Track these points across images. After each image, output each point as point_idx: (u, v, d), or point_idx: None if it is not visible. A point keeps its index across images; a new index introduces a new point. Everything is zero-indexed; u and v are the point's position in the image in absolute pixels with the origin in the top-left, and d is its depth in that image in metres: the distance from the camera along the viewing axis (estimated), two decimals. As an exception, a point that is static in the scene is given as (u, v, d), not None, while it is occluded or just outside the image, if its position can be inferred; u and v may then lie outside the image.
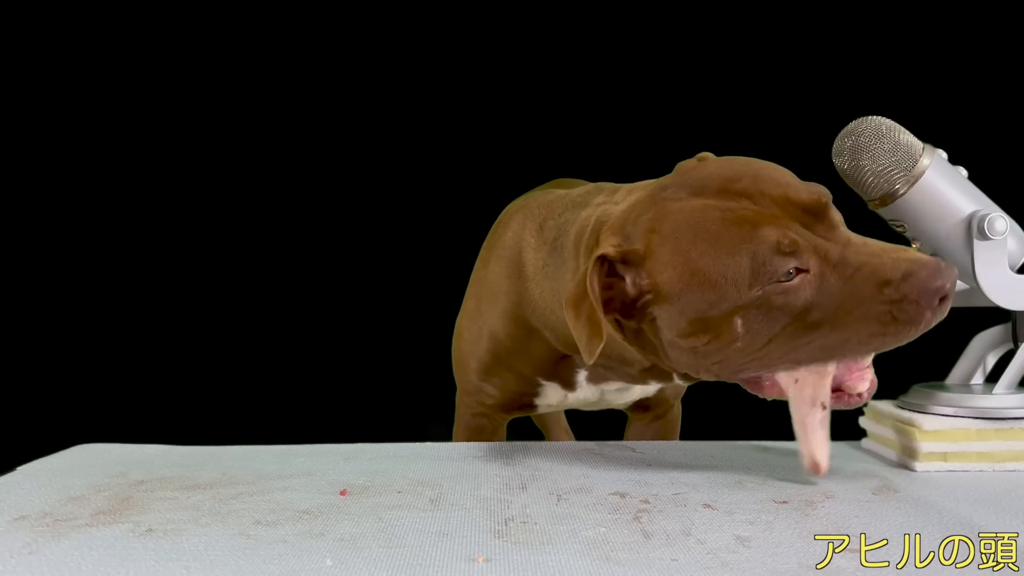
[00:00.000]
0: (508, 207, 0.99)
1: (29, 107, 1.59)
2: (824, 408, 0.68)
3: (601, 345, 0.66)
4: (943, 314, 0.64)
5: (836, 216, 0.68)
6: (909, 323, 0.63)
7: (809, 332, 0.65)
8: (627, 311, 0.70)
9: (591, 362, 0.68)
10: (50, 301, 1.61)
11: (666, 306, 0.67)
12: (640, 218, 0.69)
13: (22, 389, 1.57)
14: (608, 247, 0.68)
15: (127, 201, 1.63)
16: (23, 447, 0.87)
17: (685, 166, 0.73)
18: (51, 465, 0.80)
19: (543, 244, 0.85)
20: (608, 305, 0.69)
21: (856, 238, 0.67)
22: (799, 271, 0.64)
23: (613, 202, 0.75)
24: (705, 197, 0.67)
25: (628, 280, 0.69)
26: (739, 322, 0.65)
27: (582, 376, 0.89)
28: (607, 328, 0.67)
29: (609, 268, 0.69)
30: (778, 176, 0.69)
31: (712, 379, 0.73)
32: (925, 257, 0.64)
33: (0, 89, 1.57)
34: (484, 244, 0.98)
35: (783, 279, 0.64)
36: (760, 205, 0.66)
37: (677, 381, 0.80)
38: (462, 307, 0.98)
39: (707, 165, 0.71)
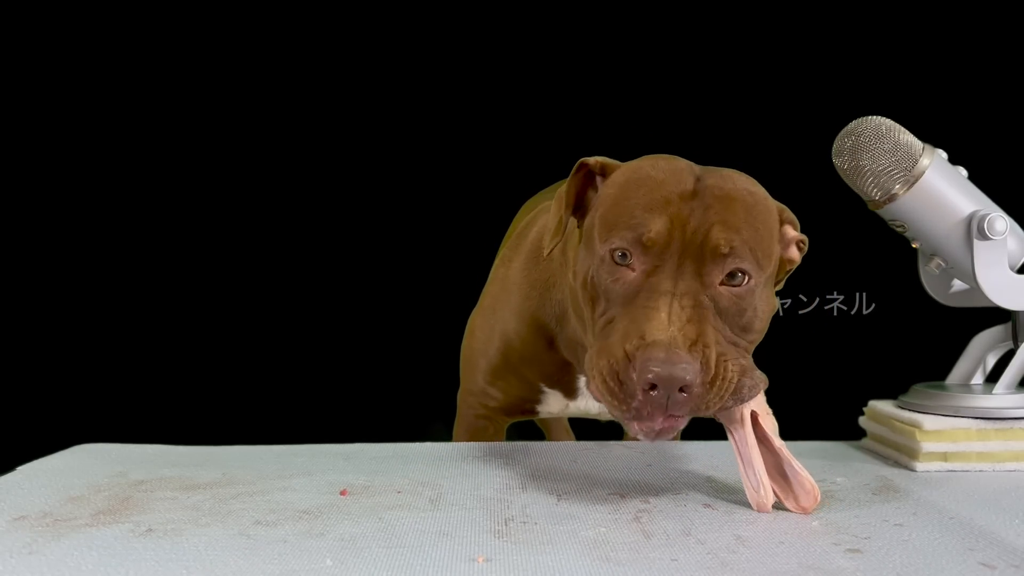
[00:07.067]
0: (527, 205, 0.98)
1: (29, 107, 1.59)
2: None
3: (559, 240, 0.72)
4: (646, 414, 0.58)
5: (716, 277, 0.63)
6: (617, 375, 0.59)
7: (591, 314, 0.67)
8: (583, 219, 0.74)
9: (547, 253, 0.74)
10: (50, 301, 1.61)
11: (587, 217, 0.72)
12: None
13: (22, 389, 1.57)
14: (594, 159, 0.73)
15: (127, 201, 1.63)
16: (23, 447, 0.87)
17: None
18: (51, 465, 0.80)
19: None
20: (578, 209, 0.74)
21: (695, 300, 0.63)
22: (628, 267, 0.64)
23: None
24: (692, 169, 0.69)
25: (595, 192, 0.73)
26: (596, 267, 0.67)
27: (583, 383, 0.89)
28: (567, 225, 0.73)
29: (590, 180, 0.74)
30: (724, 218, 0.64)
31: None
32: (687, 358, 0.58)
33: (0, 89, 1.57)
34: (508, 244, 0.98)
35: (618, 259, 0.65)
36: (693, 210, 0.64)
37: None
38: (477, 305, 0.98)
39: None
